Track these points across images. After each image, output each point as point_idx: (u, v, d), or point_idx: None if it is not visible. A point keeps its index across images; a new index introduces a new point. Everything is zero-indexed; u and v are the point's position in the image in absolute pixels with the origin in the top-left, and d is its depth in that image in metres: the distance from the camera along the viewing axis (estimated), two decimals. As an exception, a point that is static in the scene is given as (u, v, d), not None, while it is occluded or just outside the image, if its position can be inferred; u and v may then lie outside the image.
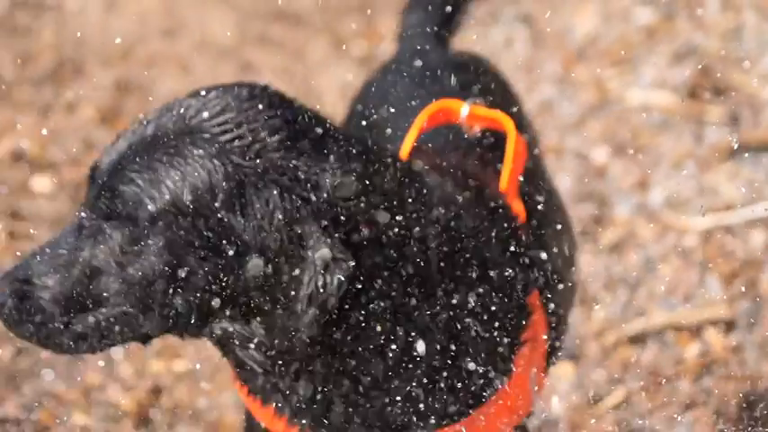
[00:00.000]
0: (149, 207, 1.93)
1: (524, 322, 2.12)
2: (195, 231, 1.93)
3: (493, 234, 2.08)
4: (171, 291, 1.95)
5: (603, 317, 3.77)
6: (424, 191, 2.02)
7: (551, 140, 4.48)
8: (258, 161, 1.93)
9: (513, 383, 2.10)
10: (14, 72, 5.45)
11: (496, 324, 2.07)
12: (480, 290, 2.04)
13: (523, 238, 2.14)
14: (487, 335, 2.06)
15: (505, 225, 2.12)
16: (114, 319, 1.98)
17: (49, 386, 3.60)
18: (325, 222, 1.90)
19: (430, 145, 2.38)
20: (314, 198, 1.91)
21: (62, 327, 1.97)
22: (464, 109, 2.24)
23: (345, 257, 1.89)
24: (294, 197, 1.90)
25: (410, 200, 1.99)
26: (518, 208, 2.16)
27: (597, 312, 3.78)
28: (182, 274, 1.94)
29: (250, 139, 1.95)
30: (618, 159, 4.42)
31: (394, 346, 1.99)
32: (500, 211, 2.13)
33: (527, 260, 2.15)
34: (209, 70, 5.36)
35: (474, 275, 2.04)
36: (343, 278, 1.89)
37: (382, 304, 1.96)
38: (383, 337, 1.98)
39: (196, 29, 5.78)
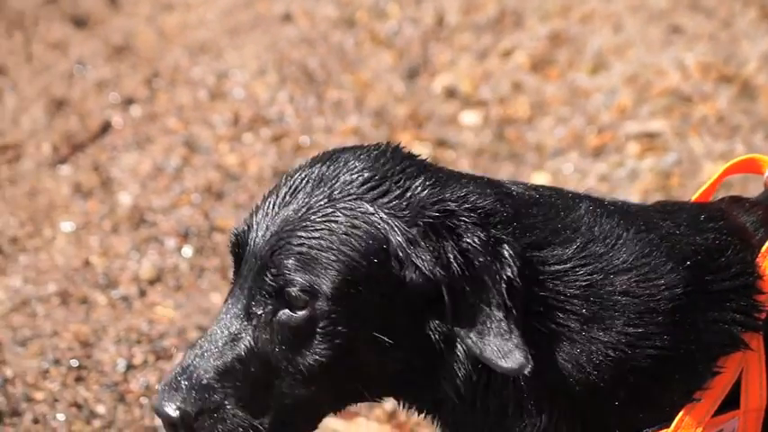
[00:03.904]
0: (325, 284, 1.86)
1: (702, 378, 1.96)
2: (378, 296, 1.87)
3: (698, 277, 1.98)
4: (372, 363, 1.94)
5: None
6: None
7: None
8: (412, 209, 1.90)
9: None
10: (459, 19, 5.87)
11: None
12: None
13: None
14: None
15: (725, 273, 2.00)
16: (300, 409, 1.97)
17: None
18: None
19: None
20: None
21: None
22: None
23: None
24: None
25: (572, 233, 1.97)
26: None
27: None
28: (373, 343, 1.89)
29: (397, 191, 1.92)
30: None
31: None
32: (726, 261, 2.01)
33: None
34: (639, 30, 5.52)
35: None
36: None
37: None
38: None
39: (636, -8, 5.92)
